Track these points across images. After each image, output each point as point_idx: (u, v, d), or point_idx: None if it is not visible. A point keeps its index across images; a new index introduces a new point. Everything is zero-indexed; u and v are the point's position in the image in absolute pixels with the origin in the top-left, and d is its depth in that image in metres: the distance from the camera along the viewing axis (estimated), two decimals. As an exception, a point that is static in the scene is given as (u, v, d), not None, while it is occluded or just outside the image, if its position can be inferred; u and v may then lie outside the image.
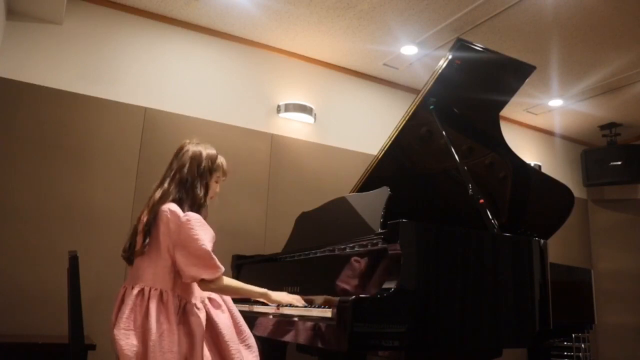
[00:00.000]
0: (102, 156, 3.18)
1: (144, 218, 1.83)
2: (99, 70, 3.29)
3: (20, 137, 2.99)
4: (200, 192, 1.89)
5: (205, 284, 1.76)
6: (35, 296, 2.84)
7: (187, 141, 1.98)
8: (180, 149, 1.97)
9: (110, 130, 3.24)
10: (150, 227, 1.79)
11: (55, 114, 3.10)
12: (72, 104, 3.15)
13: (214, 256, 1.75)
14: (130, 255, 1.84)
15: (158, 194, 1.87)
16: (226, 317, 1.84)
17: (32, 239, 2.91)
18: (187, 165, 1.90)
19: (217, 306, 1.85)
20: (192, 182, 1.88)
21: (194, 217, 1.77)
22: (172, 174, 1.91)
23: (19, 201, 2.92)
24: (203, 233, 1.75)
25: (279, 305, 2.08)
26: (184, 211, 1.81)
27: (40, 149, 3.02)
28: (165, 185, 1.89)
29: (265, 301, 1.98)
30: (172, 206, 1.80)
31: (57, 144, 3.07)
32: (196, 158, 1.92)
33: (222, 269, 1.77)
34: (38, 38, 3.14)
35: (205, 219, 1.87)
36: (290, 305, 2.01)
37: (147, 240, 1.78)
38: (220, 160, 2.00)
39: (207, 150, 1.96)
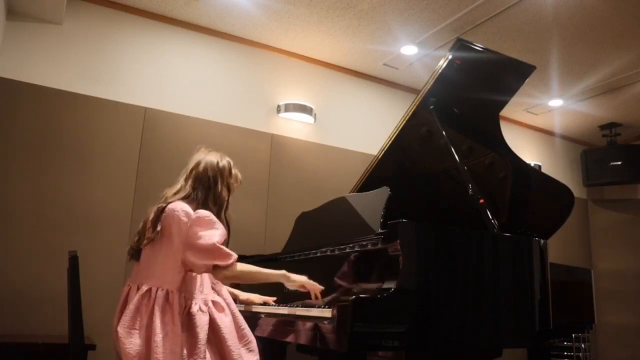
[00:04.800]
0: (102, 156, 3.18)
1: (154, 209, 1.83)
2: (99, 70, 3.29)
3: (20, 137, 2.99)
4: (223, 191, 1.90)
5: (219, 271, 1.76)
6: (35, 296, 2.84)
7: (203, 148, 2.00)
8: (196, 151, 1.99)
9: (110, 130, 3.24)
10: (160, 217, 1.79)
11: (55, 114, 3.10)
12: (72, 104, 3.15)
13: (222, 246, 1.75)
14: (138, 247, 1.84)
15: (172, 189, 1.88)
16: (229, 320, 1.84)
17: (32, 239, 2.91)
18: (203, 163, 1.91)
19: (221, 309, 1.85)
20: (213, 179, 1.88)
21: (202, 214, 1.78)
22: (188, 172, 1.92)
23: (18, 201, 2.92)
24: (209, 229, 1.76)
25: (279, 304, 2.08)
26: (200, 209, 1.81)
27: (40, 149, 3.02)
28: (182, 181, 1.90)
29: (284, 283, 1.97)
30: (184, 206, 1.79)
31: (57, 144, 3.07)
32: (214, 159, 1.94)
33: (235, 255, 1.77)
34: (38, 38, 3.14)
35: (228, 223, 1.88)
36: (289, 305, 2.01)
37: (159, 228, 1.77)
38: (235, 170, 2.01)
39: (224, 157, 1.99)
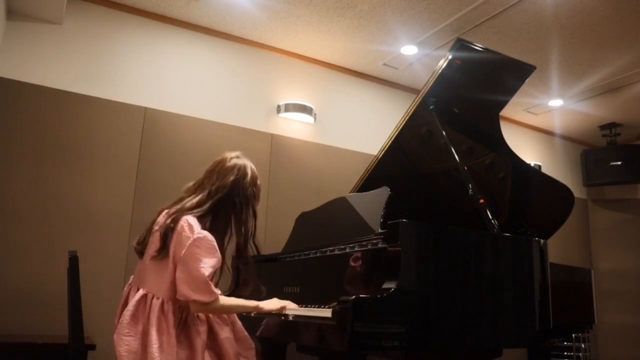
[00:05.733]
0: (102, 156, 3.19)
1: (166, 220, 1.76)
2: (99, 70, 3.29)
3: (20, 137, 2.99)
4: (249, 220, 1.84)
5: (196, 305, 1.70)
6: (35, 296, 2.84)
7: (232, 156, 1.91)
8: (223, 161, 1.89)
9: (110, 130, 3.24)
10: (168, 233, 1.73)
11: (55, 114, 3.10)
12: (72, 104, 3.15)
13: (210, 282, 1.69)
14: (142, 249, 1.82)
15: (192, 201, 1.80)
16: (228, 330, 1.83)
17: (32, 239, 2.91)
18: (231, 186, 1.83)
19: (219, 318, 1.84)
20: (239, 207, 1.82)
21: (206, 237, 1.71)
22: (213, 189, 1.82)
23: (18, 201, 2.92)
24: (208, 256, 1.69)
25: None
26: (223, 234, 1.79)
27: (40, 149, 3.02)
28: (202, 196, 1.81)
29: (258, 312, 1.93)
30: (189, 219, 1.74)
31: (57, 144, 3.07)
32: (240, 180, 1.85)
33: (216, 294, 1.71)
34: (38, 38, 3.14)
35: (258, 249, 1.85)
36: (303, 305, 2.01)
37: (165, 250, 1.72)
38: (259, 183, 1.93)
39: (251, 167, 1.91)
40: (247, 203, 1.85)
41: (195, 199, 1.81)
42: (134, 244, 1.86)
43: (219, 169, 1.87)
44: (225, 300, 1.78)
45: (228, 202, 1.82)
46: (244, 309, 1.89)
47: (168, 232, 1.73)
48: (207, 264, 1.68)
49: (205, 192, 1.82)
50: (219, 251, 1.75)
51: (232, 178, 1.84)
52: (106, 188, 3.16)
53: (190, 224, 1.72)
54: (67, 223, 3.01)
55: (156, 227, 1.80)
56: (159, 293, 1.72)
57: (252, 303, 1.90)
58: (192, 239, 1.69)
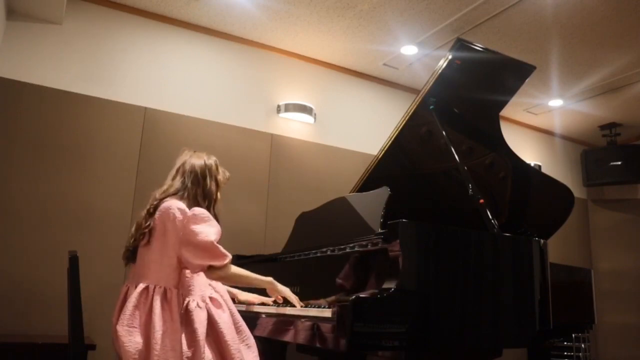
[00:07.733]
0: (102, 156, 3.18)
1: (147, 208, 1.87)
2: (99, 70, 3.29)
3: (20, 137, 2.99)
4: (212, 185, 1.93)
5: (212, 271, 1.79)
6: (35, 296, 2.84)
7: (186, 150, 2.04)
8: (182, 154, 2.02)
9: (110, 130, 3.24)
10: (153, 214, 1.82)
11: (55, 114, 3.10)
12: (72, 104, 3.15)
13: (219, 245, 1.78)
14: (134, 250, 1.86)
15: (160, 189, 1.92)
16: (227, 316, 1.85)
17: (32, 239, 2.91)
18: (190, 162, 1.95)
19: (218, 306, 1.86)
20: (202, 175, 1.92)
21: (198, 211, 1.81)
22: (174, 172, 1.96)
23: (18, 201, 2.92)
24: (206, 226, 1.78)
25: (279, 304, 2.09)
26: (192, 205, 1.84)
27: (40, 149, 3.02)
28: (169, 180, 1.94)
29: (269, 289, 2.03)
30: (179, 204, 1.82)
31: (57, 144, 3.07)
32: (200, 158, 1.99)
33: (229, 256, 1.80)
34: (38, 38, 3.14)
35: (217, 217, 1.91)
36: (289, 305, 2.02)
37: (150, 224, 1.80)
38: (222, 168, 2.06)
39: (210, 156, 2.03)
40: (209, 171, 1.96)
41: (163, 187, 1.93)
42: (123, 251, 1.91)
43: (177, 161, 2.01)
44: (239, 270, 1.88)
45: (191, 173, 1.93)
46: (258, 281, 1.98)
47: (152, 212, 1.83)
48: (209, 232, 1.77)
49: (170, 177, 1.96)
50: (214, 220, 1.85)
51: (189, 160, 1.97)
52: (106, 188, 3.16)
53: (181, 208, 1.81)
54: (67, 223, 3.01)
55: (144, 217, 1.88)
56: (161, 282, 1.77)
57: (266, 278, 1.99)
58: (186, 219, 1.78)
